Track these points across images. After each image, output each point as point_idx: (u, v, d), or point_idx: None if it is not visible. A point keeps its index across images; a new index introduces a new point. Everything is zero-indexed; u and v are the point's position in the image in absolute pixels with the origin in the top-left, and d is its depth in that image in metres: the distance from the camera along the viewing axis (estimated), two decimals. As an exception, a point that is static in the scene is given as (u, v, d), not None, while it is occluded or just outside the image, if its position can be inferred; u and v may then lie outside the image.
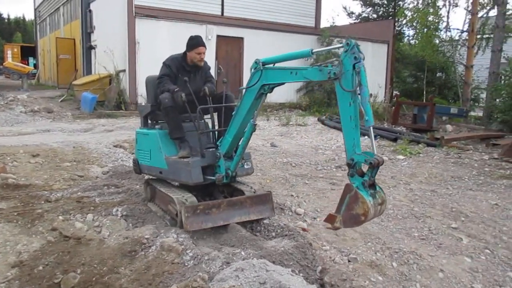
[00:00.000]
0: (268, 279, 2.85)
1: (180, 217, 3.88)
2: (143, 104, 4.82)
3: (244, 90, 3.83)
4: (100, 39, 16.55)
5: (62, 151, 7.19)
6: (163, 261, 3.52)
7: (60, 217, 4.26)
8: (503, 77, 13.81)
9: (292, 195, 5.30)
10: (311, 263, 3.50)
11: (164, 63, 4.60)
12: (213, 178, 4.13)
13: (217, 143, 4.26)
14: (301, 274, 3.30)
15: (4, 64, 37.14)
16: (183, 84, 4.31)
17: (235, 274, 3.06)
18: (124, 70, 13.32)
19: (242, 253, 3.54)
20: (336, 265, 3.45)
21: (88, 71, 17.72)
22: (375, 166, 2.93)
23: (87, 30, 17.72)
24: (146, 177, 5.03)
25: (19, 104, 12.17)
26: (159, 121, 4.68)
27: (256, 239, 3.88)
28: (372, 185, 3.01)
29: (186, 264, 3.48)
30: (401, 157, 8.14)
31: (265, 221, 4.25)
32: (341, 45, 3.07)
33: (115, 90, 13.23)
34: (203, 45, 4.56)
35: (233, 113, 4.03)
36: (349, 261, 3.57)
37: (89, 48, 17.60)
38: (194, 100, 4.17)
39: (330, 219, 3.16)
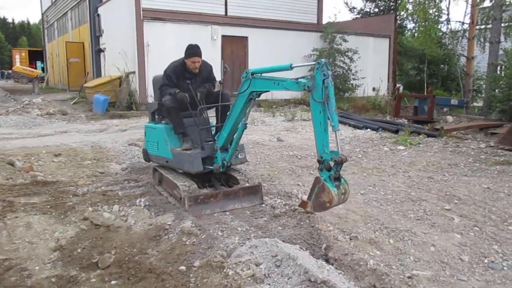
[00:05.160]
0: (279, 252, 3.30)
1: (184, 201, 4.57)
2: (151, 102, 5.50)
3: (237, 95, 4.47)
4: (109, 42, 17.04)
5: (81, 150, 7.65)
6: (185, 243, 3.97)
7: (90, 208, 4.71)
8: (502, 68, 14.12)
9: (298, 184, 5.73)
10: (317, 242, 3.93)
11: (165, 72, 5.14)
12: (211, 167, 4.81)
13: (215, 137, 4.92)
14: (307, 251, 3.74)
15: (13, 68, 37.95)
16: (186, 87, 4.94)
17: (250, 250, 3.51)
18: (134, 72, 13.79)
19: (254, 234, 4.02)
20: (339, 243, 3.87)
21: (98, 74, 18.22)
22: (339, 163, 3.62)
23: (96, 33, 18.20)
24: (154, 164, 5.66)
25: (35, 108, 12.67)
26: (165, 117, 5.32)
27: (267, 224, 4.33)
28: (337, 178, 3.70)
29: (205, 245, 3.94)
30: (401, 147, 8.56)
31: (277, 209, 4.68)
32: (314, 63, 3.71)
33: (125, 91, 13.71)
34: (198, 55, 5.04)
35: (228, 111, 4.65)
36: (350, 239, 3.99)
37: (98, 51, 18.10)
38: (196, 100, 4.89)
39: (303, 204, 3.95)
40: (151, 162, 5.68)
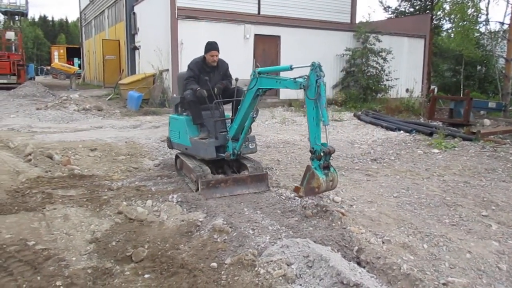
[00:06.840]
0: (311, 253, 3.28)
1: (197, 185, 5.15)
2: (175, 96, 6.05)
3: (245, 91, 5.03)
4: (144, 40, 17.35)
5: (116, 145, 7.84)
6: (216, 240, 4.00)
7: (124, 203, 4.81)
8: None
9: (329, 185, 5.66)
10: (349, 244, 3.89)
11: (189, 66, 5.77)
12: (223, 155, 5.38)
13: (227, 128, 5.48)
14: (339, 253, 3.70)
15: (52, 65, 39.22)
16: (204, 82, 5.54)
17: (281, 250, 3.50)
18: (167, 70, 14.00)
19: (285, 234, 4.01)
20: (371, 246, 3.81)
21: (133, 71, 18.60)
22: (327, 154, 4.16)
23: (131, 31, 18.58)
24: (176, 151, 6.37)
25: (72, 103, 13.05)
26: (186, 109, 5.89)
27: (299, 224, 4.32)
28: (327, 167, 4.23)
29: (236, 243, 3.96)
30: (436, 150, 8.35)
31: (308, 209, 4.66)
32: (309, 65, 4.10)
33: (159, 88, 13.94)
34: (215, 49, 5.70)
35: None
36: (383, 242, 3.93)
37: (133, 49, 18.46)
38: (213, 95, 5.47)
39: (296, 189, 4.39)
40: (173, 148, 6.36)
